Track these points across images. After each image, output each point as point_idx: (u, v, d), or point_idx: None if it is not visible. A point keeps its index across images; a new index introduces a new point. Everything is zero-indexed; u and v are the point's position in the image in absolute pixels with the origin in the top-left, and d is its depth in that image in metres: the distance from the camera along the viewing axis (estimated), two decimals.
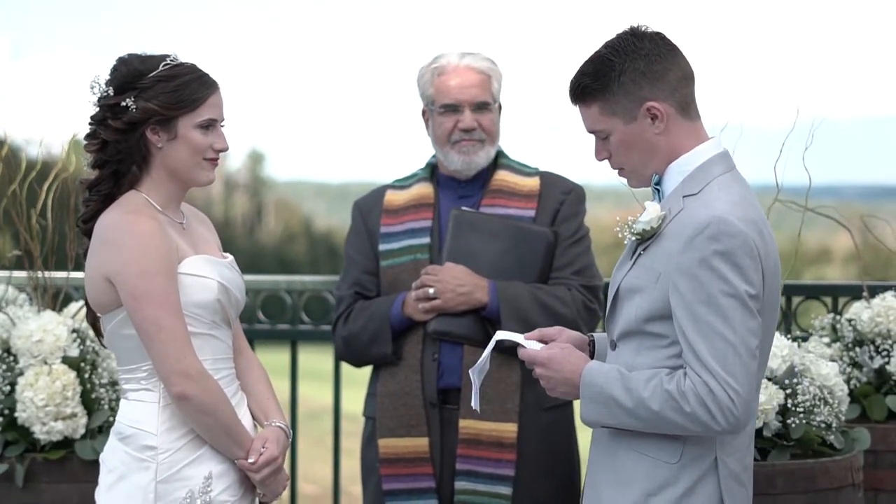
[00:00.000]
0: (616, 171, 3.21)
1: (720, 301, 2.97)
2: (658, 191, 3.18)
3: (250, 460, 3.43)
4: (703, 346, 2.97)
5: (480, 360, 3.34)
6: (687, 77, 3.15)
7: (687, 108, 3.14)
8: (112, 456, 3.44)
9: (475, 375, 3.34)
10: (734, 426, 2.99)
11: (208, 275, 3.43)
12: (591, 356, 3.29)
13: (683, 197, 3.10)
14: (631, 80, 3.10)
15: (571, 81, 3.17)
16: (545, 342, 3.26)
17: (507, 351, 4.35)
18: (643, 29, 3.15)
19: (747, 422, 3.04)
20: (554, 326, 3.36)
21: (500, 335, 3.30)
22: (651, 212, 3.12)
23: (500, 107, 4.54)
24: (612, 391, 3.06)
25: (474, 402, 3.37)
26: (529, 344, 3.25)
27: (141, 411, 3.41)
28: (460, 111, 4.46)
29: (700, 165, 3.12)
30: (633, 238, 3.15)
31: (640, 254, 3.13)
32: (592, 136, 3.20)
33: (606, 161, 3.20)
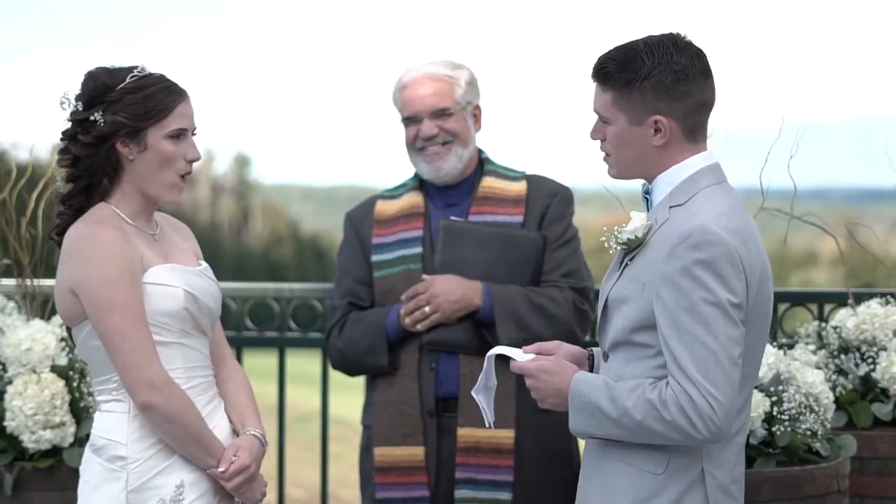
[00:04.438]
0: (602, 154, 3.20)
1: (702, 309, 2.97)
2: (647, 199, 3.18)
3: (220, 469, 3.41)
4: (685, 355, 2.97)
5: (479, 379, 3.32)
6: (706, 105, 3.14)
7: (694, 133, 3.14)
8: (87, 467, 3.44)
9: (479, 395, 3.32)
10: (715, 434, 2.99)
11: (173, 283, 3.40)
12: (591, 370, 3.28)
13: (670, 207, 3.11)
14: (652, 88, 3.09)
15: (598, 59, 3.15)
16: (543, 355, 3.25)
17: (504, 359, 4.38)
18: (686, 40, 3.13)
19: (729, 430, 3.03)
20: (552, 340, 3.34)
21: (495, 349, 3.30)
22: (636, 221, 3.12)
23: (474, 108, 4.51)
24: (598, 401, 3.06)
25: (487, 422, 3.33)
26: (524, 356, 3.24)
27: (112, 422, 3.41)
28: (419, 121, 4.45)
29: (688, 177, 3.12)
30: (620, 248, 3.15)
31: (626, 264, 3.14)
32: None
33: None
